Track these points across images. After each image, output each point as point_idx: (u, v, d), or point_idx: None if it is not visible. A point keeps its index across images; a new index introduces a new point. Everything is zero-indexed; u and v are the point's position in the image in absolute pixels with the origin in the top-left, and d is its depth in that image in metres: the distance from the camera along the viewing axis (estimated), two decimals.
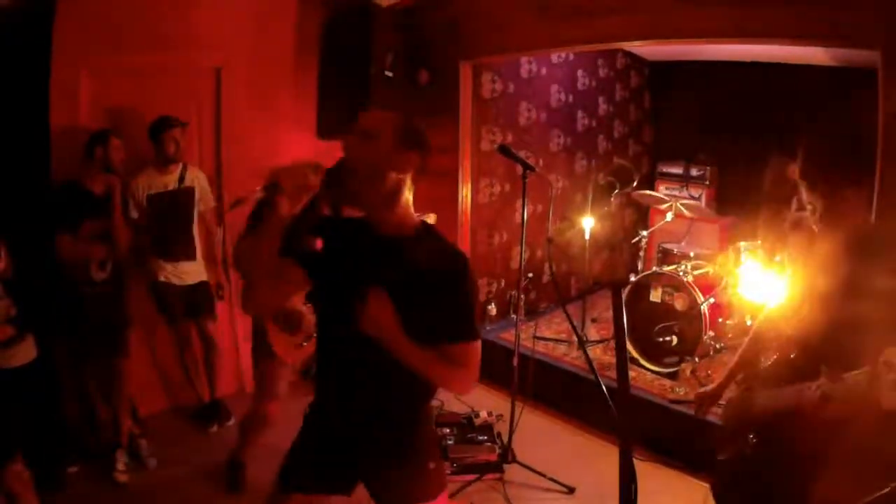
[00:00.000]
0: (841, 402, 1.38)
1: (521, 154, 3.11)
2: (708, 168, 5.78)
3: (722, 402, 2.03)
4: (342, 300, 1.55)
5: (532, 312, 4.69)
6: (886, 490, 1.33)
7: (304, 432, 1.77)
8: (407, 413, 1.69)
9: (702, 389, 2.11)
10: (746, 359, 1.99)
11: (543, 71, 5.08)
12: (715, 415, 2.15)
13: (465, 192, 4.38)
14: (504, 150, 3.10)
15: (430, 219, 3.27)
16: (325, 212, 1.71)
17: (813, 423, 1.45)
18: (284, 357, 2.70)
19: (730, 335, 3.97)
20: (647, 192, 5.26)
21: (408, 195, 1.58)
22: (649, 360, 3.94)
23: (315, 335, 2.59)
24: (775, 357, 1.80)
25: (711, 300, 3.82)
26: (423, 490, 1.72)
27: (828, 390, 1.40)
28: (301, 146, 3.97)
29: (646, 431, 3.24)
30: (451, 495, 2.90)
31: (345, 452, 1.68)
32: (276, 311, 2.61)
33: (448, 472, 3.05)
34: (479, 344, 1.59)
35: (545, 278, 5.21)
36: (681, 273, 3.92)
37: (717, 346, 3.86)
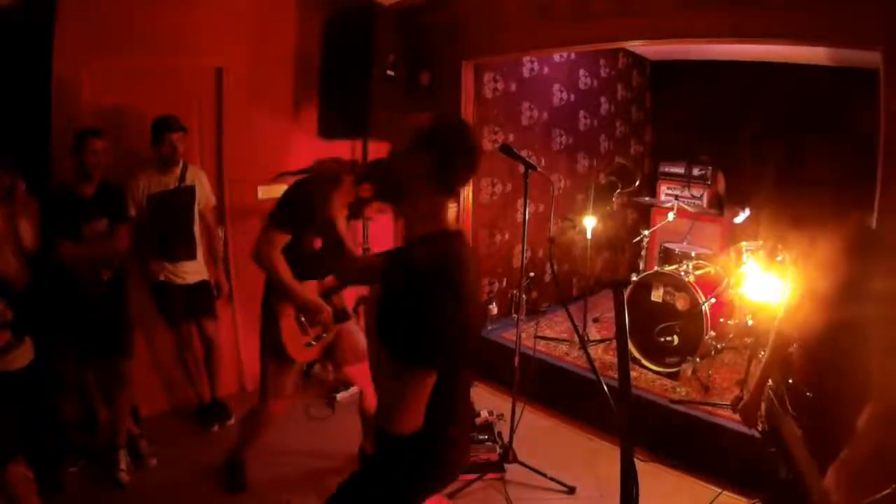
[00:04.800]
0: None
1: (523, 153, 3.11)
2: (709, 168, 5.78)
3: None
4: None
5: (533, 312, 4.69)
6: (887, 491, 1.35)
7: None
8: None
9: (742, 404, 2.12)
10: (774, 360, 2.01)
11: (545, 70, 5.08)
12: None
13: (467, 192, 4.38)
14: (506, 149, 3.10)
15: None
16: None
17: None
18: (294, 356, 2.71)
19: (731, 335, 3.96)
20: (647, 198, 5.28)
21: (429, 201, 1.46)
22: (651, 360, 3.94)
23: (324, 336, 2.80)
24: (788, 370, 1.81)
25: (713, 300, 3.81)
26: None
27: None
28: (302, 146, 3.97)
29: (647, 432, 3.24)
30: (452, 495, 2.91)
31: None
32: (300, 304, 2.65)
33: None
34: (419, 375, 1.36)
35: (547, 278, 5.20)
36: (682, 273, 3.91)
37: (719, 346, 3.85)
